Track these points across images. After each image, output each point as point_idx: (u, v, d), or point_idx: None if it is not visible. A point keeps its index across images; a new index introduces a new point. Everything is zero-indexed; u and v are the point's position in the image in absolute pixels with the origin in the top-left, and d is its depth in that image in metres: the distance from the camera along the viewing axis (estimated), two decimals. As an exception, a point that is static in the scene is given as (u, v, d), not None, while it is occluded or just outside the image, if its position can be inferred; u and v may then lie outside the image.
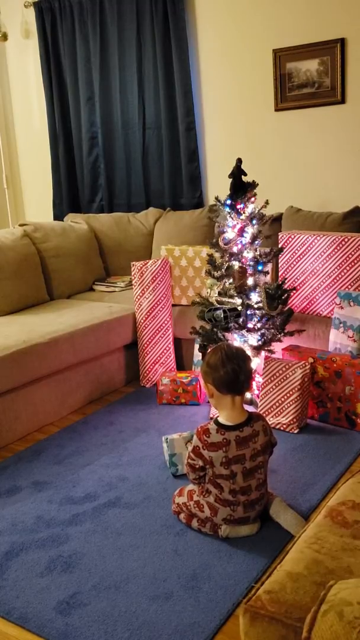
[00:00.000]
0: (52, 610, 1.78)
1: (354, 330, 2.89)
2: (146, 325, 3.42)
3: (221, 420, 2.07)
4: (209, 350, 2.18)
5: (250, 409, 2.30)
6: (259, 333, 2.86)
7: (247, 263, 2.85)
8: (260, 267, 2.87)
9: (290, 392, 2.78)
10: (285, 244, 3.30)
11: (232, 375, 2.04)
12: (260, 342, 2.88)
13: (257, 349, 2.89)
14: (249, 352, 2.87)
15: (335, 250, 3.13)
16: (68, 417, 3.14)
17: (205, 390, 2.15)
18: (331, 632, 0.97)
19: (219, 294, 2.93)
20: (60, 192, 4.71)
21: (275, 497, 2.18)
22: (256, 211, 2.84)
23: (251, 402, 2.96)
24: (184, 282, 3.53)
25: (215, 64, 4.00)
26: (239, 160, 2.80)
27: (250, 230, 2.83)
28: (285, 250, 3.29)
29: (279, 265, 3.33)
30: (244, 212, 2.82)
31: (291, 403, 2.79)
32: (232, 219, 2.83)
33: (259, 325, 2.86)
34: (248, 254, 2.85)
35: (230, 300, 2.87)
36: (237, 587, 1.83)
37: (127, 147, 4.39)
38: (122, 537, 2.11)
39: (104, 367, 3.39)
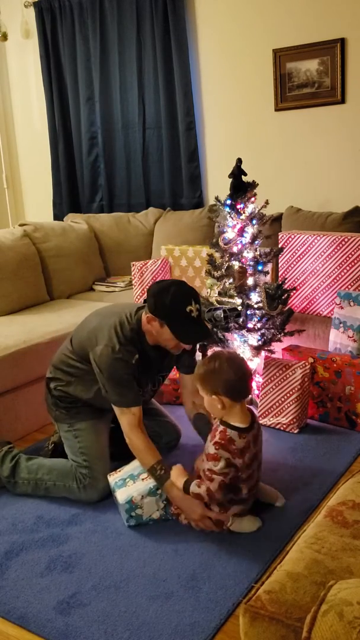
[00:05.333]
0: (52, 610, 1.78)
1: (354, 330, 2.89)
2: (146, 325, 3.42)
3: (235, 424, 2.03)
4: (206, 362, 2.08)
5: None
6: (259, 333, 2.86)
7: (247, 263, 2.85)
8: (260, 267, 2.87)
9: (290, 392, 2.78)
10: (285, 244, 3.30)
11: (244, 380, 2.04)
12: (260, 342, 2.88)
13: (257, 349, 2.89)
14: (249, 352, 2.87)
15: (335, 250, 3.13)
16: (68, 417, 3.14)
17: (213, 404, 2.04)
18: (331, 632, 0.97)
19: (219, 294, 2.93)
20: (60, 192, 4.71)
21: None
22: (256, 211, 2.84)
23: (251, 402, 2.96)
24: (184, 282, 3.52)
25: (215, 64, 4.00)
26: (239, 160, 2.80)
27: (250, 230, 2.83)
28: (285, 250, 3.28)
29: (279, 265, 3.33)
30: (244, 212, 2.82)
31: (291, 403, 2.79)
32: (232, 219, 2.83)
33: (259, 325, 2.85)
34: (248, 254, 2.85)
35: (230, 300, 2.86)
36: (237, 587, 1.83)
37: (127, 147, 4.39)
38: (122, 537, 2.11)
39: (104, 367, 3.38)
